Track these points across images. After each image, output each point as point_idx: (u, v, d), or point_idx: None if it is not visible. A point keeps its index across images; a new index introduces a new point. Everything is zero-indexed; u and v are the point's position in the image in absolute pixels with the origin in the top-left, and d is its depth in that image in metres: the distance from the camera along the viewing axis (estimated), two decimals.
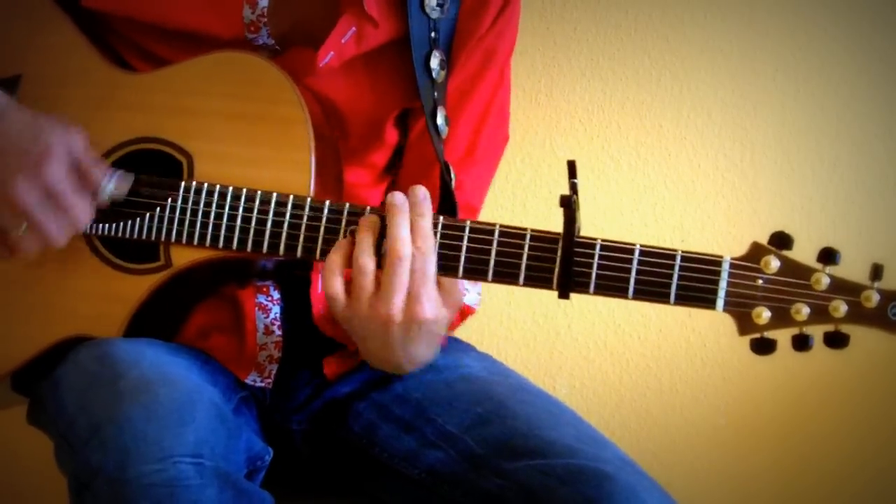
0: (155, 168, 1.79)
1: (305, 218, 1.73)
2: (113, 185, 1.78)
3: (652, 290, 1.63)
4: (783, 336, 1.59)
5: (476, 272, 1.70)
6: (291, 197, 1.73)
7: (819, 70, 2.59)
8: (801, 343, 1.58)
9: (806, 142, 2.60)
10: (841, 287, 1.57)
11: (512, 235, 1.68)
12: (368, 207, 1.72)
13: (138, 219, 1.78)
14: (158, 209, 1.78)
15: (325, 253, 1.72)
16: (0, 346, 1.85)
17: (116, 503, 1.54)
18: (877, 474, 2.70)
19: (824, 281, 1.56)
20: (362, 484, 1.97)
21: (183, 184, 1.77)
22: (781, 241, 1.58)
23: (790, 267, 1.58)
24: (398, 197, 1.69)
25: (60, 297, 1.83)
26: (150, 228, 1.78)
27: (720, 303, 1.60)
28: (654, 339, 2.66)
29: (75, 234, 1.75)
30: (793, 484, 2.72)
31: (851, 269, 1.58)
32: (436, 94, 1.90)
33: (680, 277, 1.61)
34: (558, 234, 1.65)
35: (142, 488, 1.53)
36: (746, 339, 1.61)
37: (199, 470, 1.56)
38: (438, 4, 1.89)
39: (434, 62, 1.89)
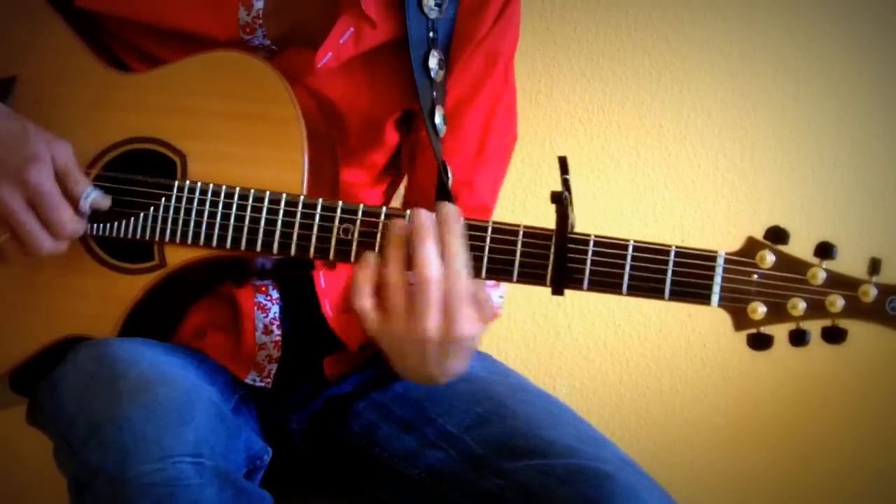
0: (149, 168, 1.79)
1: (299, 216, 1.72)
2: (94, 196, 1.77)
3: (646, 285, 1.62)
4: (780, 331, 1.58)
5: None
6: (284, 195, 1.73)
7: (819, 70, 2.59)
8: (798, 338, 1.57)
9: (806, 142, 2.60)
10: (838, 281, 1.56)
11: (505, 232, 1.67)
12: (362, 205, 1.71)
13: (132, 218, 1.78)
14: (152, 209, 1.78)
15: (318, 251, 1.72)
16: None
17: (116, 503, 1.54)
18: (877, 474, 2.70)
19: (820, 275, 1.55)
20: (362, 484, 1.97)
21: (176, 183, 1.77)
22: (777, 235, 1.57)
23: (786, 261, 1.57)
24: (424, 217, 1.66)
25: (55, 298, 1.83)
26: (143, 228, 1.78)
27: (715, 298, 1.59)
28: (654, 339, 2.66)
29: (60, 240, 1.75)
30: (793, 484, 2.71)
31: (851, 269, 1.57)
32: (434, 93, 1.90)
33: (674, 273, 1.61)
34: (551, 230, 1.64)
35: (141, 488, 1.53)
36: (745, 339, 1.61)
37: (198, 469, 1.56)
38: (437, 4, 1.89)
39: (433, 61, 1.89)
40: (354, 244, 1.71)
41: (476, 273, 1.68)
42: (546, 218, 1.67)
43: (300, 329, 1.92)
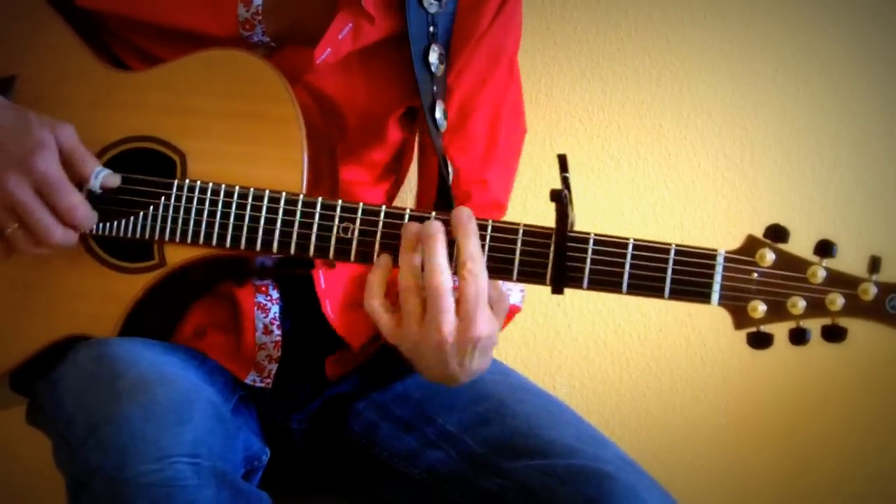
0: (149, 167, 1.79)
1: (298, 215, 1.73)
2: (104, 175, 1.77)
3: (646, 284, 1.62)
4: (780, 330, 1.58)
5: None
6: (284, 194, 1.73)
7: (819, 70, 2.58)
8: (798, 337, 1.57)
9: (806, 142, 2.60)
10: (838, 280, 1.56)
11: (505, 231, 1.67)
12: (361, 204, 1.71)
13: (132, 217, 1.78)
14: (152, 208, 1.78)
15: (318, 249, 1.72)
16: None
17: (114, 503, 1.54)
18: (877, 474, 2.69)
19: (820, 274, 1.56)
20: (362, 483, 1.98)
21: (175, 182, 1.77)
22: (776, 233, 1.57)
23: (785, 260, 1.58)
24: (432, 226, 1.66)
25: (56, 297, 1.83)
26: (143, 227, 1.78)
27: (715, 297, 1.59)
28: (654, 339, 2.65)
29: (68, 226, 1.74)
30: (793, 484, 2.71)
31: (851, 269, 1.57)
32: (434, 88, 1.90)
33: (674, 271, 1.61)
34: (551, 228, 1.64)
35: (139, 488, 1.53)
36: (745, 338, 1.61)
37: (196, 470, 1.56)
38: None
39: (433, 56, 1.89)
40: (354, 243, 1.71)
41: None
42: (546, 218, 1.67)
43: (300, 329, 1.92)
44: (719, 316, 1.62)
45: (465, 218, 1.66)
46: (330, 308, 1.89)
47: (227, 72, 1.80)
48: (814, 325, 1.57)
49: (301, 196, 1.73)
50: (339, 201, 1.72)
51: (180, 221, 1.76)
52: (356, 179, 1.96)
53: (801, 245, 1.58)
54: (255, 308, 1.89)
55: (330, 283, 1.90)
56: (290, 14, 1.86)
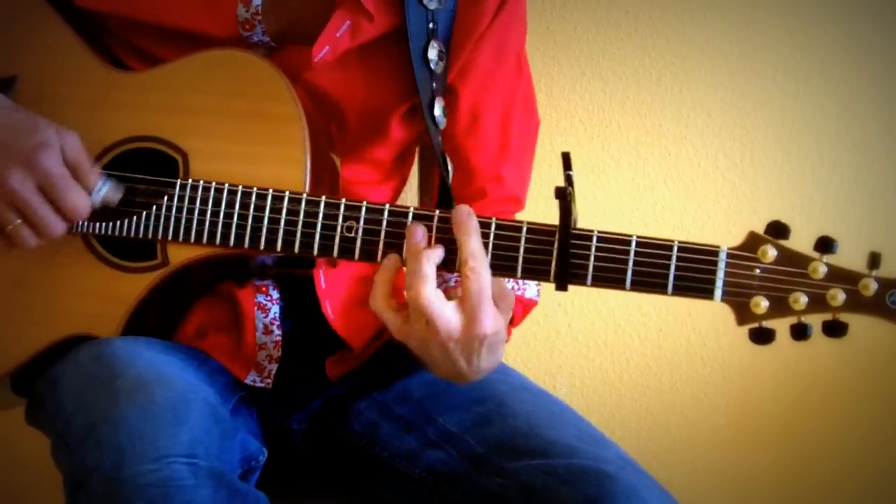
0: (151, 166, 1.79)
1: (302, 213, 1.72)
2: (106, 189, 1.77)
3: (649, 280, 1.62)
4: (782, 325, 1.58)
5: None
6: (287, 193, 1.73)
7: (819, 70, 2.59)
8: (799, 332, 1.57)
9: (806, 142, 2.60)
10: (838, 275, 1.56)
11: (508, 228, 1.67)
12: (365, 202, 1.71)
13: (135, 217, 1.78)
14: (154, 207, 1.77)
15: (322, 248, 1.72)
16: None
17: (111, 502, 1.54)
18: (878, 474, 2.70)
19: (821, 269, 1.56)
20: (363, 483, 1.97)
21: (178, 182, 1.77)
22: (778, 230, 1.58)
23: (787, 256, 1.58)
24: (416, 234, 1.67)
25: (58, 297, 1.83)
26: (146, 227, 1.78)
27: (718, 293, 1.59)
28: (654, 339, 2.65)
29: (71, 223, 1.74)
30: (793, 484, 2.71)
31: (851, 268, 1.57)
32: (434, 85, 1.90)
33: (677, 268, 1.61)
34: (555, 226, 1.65)
35: (137, 488, 1.53)
36: (747, 340, 1.60)
37: (193, 470, 1.56)
38: None
39: (432, 53, 1.89)
40: (358, 241, 1.71)
41: None
42: (547, 217, 1.67)
43: (300, 329, 1.92)
44: (719, 315, 1.62)
45: (465, 216, 1.66)
46: (330, 308, 1.89)
47: (228, 71, 1.80)
48: (815, 321, 1.57)
49: (304, 195, 1.73)
50: (343, 200, 1.72)
51: (184, 221, 1.76)
52: (360, 178, 1.96)
53: (801, 245, 1.58)
54: (256, 308, 1.89)
55: (330, 284, 1.90)
56: (289, 13, 1.86)
